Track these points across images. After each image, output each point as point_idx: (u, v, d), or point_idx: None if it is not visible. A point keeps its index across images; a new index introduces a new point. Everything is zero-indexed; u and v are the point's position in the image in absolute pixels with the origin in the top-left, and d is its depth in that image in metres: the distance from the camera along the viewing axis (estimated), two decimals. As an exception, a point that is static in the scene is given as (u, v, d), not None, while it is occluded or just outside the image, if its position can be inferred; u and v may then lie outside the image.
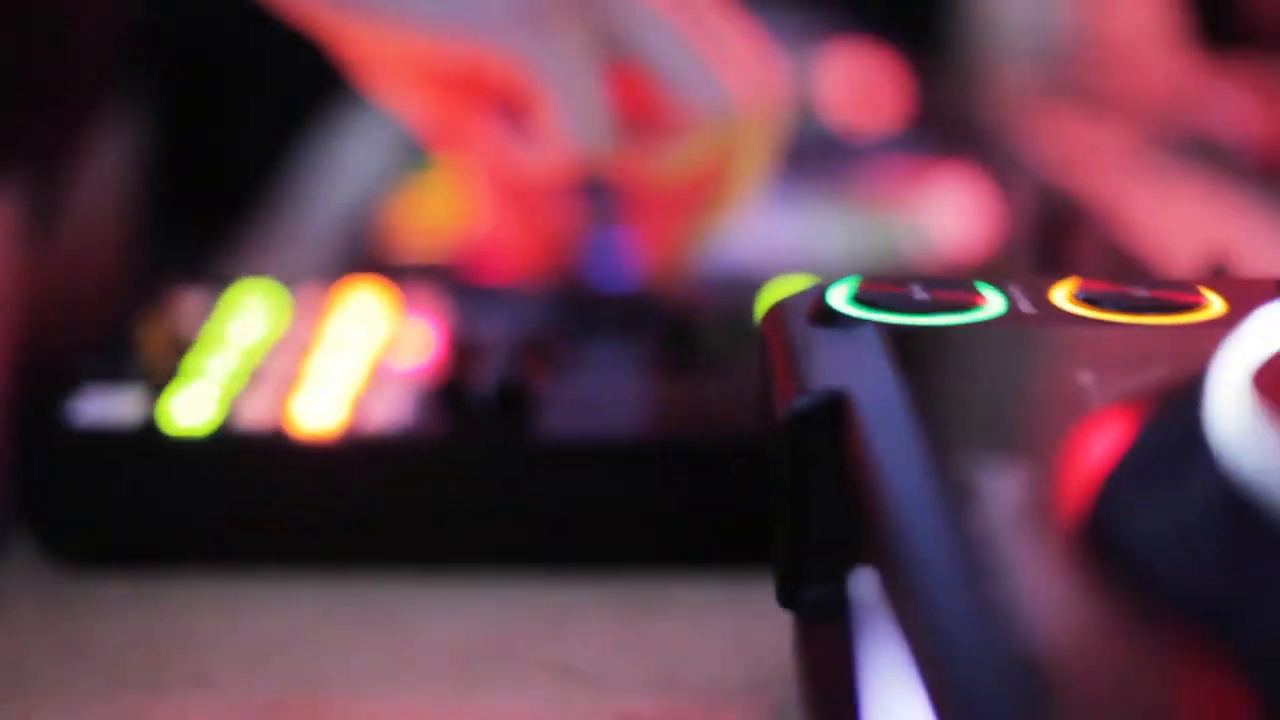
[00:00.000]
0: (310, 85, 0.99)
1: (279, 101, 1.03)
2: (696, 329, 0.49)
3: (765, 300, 0.51)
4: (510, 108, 0.48)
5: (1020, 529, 0.25)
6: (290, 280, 0.53)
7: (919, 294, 0.36)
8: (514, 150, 0.48)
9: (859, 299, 0.35)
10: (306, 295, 0.52)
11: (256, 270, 0.56)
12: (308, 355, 0.48)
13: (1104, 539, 0.25)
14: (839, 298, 0.35)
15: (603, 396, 0.46)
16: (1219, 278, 0.41)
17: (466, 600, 0.44)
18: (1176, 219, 0.75)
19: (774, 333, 0.35)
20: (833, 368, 0.32)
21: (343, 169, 0.84)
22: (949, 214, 0.69)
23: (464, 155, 0.53)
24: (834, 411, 0.30)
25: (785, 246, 0.64)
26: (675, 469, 0.44)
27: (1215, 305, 0.36)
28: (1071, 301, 0.36)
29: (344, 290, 0.53)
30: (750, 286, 0.53)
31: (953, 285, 0.36)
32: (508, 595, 0.44)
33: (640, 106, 0.48)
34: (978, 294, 0.36)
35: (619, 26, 0.46)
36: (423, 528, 0.45)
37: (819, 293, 0.35)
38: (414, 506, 0.44)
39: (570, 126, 0.46)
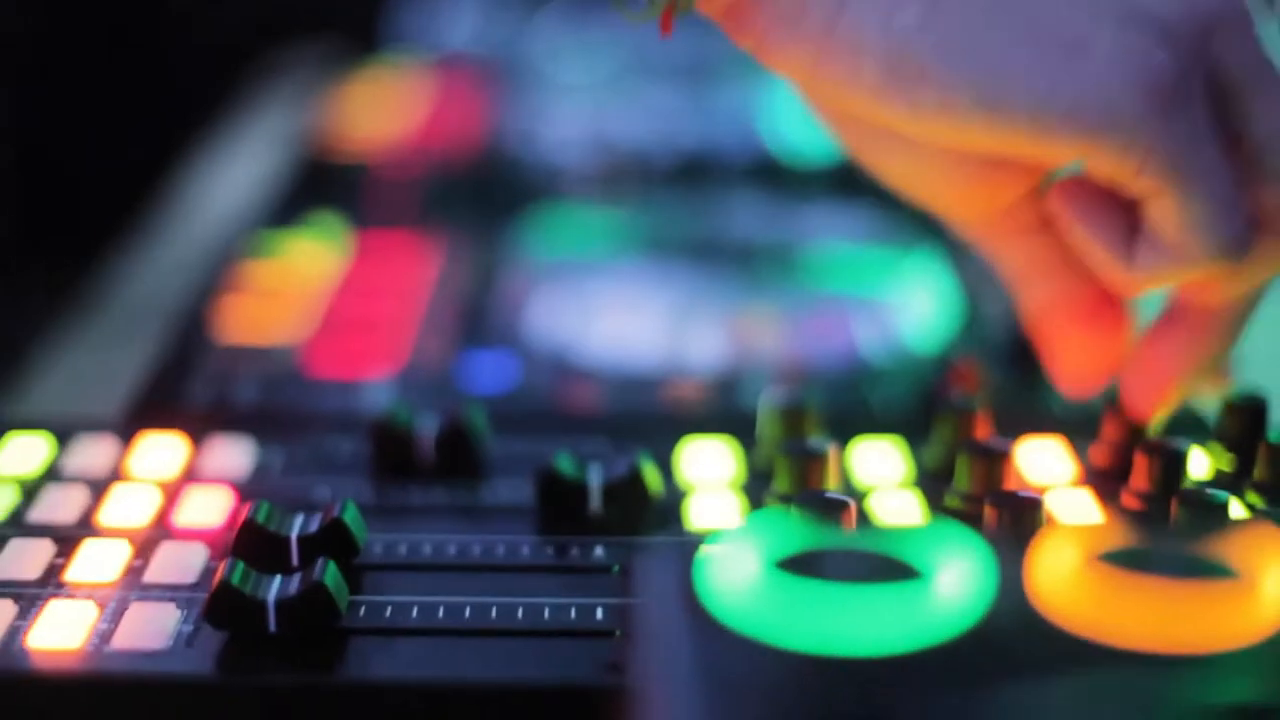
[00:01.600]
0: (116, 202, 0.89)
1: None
2: (580, 483, 0.38)
3: (679, 458, 0.41)
4: (1117, 205, 0.37)
5: None
6: (66, 430, 0.42)
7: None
8: (1122, 260, 0.37)
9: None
10: (82, 447, 0.41)
11: (28, 418, 0.45)
12: (61, 544, 0.37)
13: None
14: (733, 569, 0.24)
15: (431, 614, 0.35)
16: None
17: None
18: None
19: (642, 609, 0.24)
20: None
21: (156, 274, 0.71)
22: (917, 305, 0.57)
23: (1035, 272, 0.41)
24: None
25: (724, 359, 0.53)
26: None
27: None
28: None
29: (129, 442, 0.41)
30: (670, 431, 0.43)
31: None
32: None
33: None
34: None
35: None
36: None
37: (688, 571, 0.24)
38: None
39: (1202, 227, 0.35)
